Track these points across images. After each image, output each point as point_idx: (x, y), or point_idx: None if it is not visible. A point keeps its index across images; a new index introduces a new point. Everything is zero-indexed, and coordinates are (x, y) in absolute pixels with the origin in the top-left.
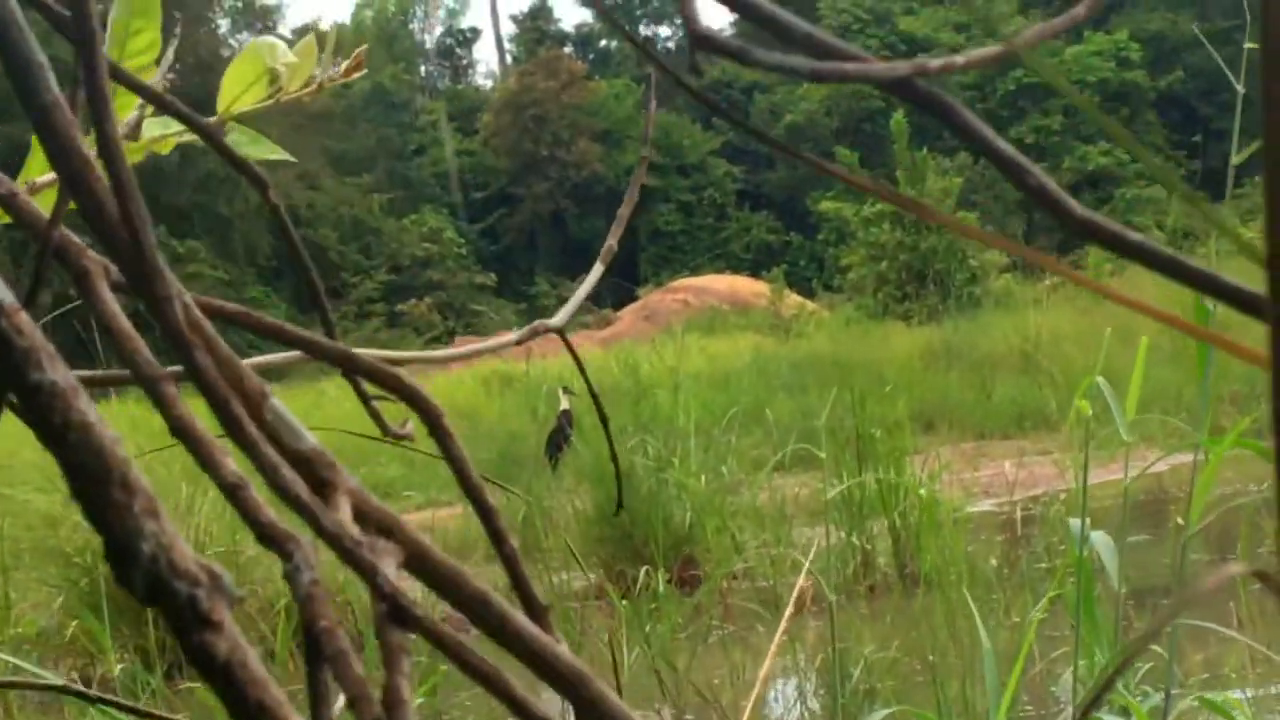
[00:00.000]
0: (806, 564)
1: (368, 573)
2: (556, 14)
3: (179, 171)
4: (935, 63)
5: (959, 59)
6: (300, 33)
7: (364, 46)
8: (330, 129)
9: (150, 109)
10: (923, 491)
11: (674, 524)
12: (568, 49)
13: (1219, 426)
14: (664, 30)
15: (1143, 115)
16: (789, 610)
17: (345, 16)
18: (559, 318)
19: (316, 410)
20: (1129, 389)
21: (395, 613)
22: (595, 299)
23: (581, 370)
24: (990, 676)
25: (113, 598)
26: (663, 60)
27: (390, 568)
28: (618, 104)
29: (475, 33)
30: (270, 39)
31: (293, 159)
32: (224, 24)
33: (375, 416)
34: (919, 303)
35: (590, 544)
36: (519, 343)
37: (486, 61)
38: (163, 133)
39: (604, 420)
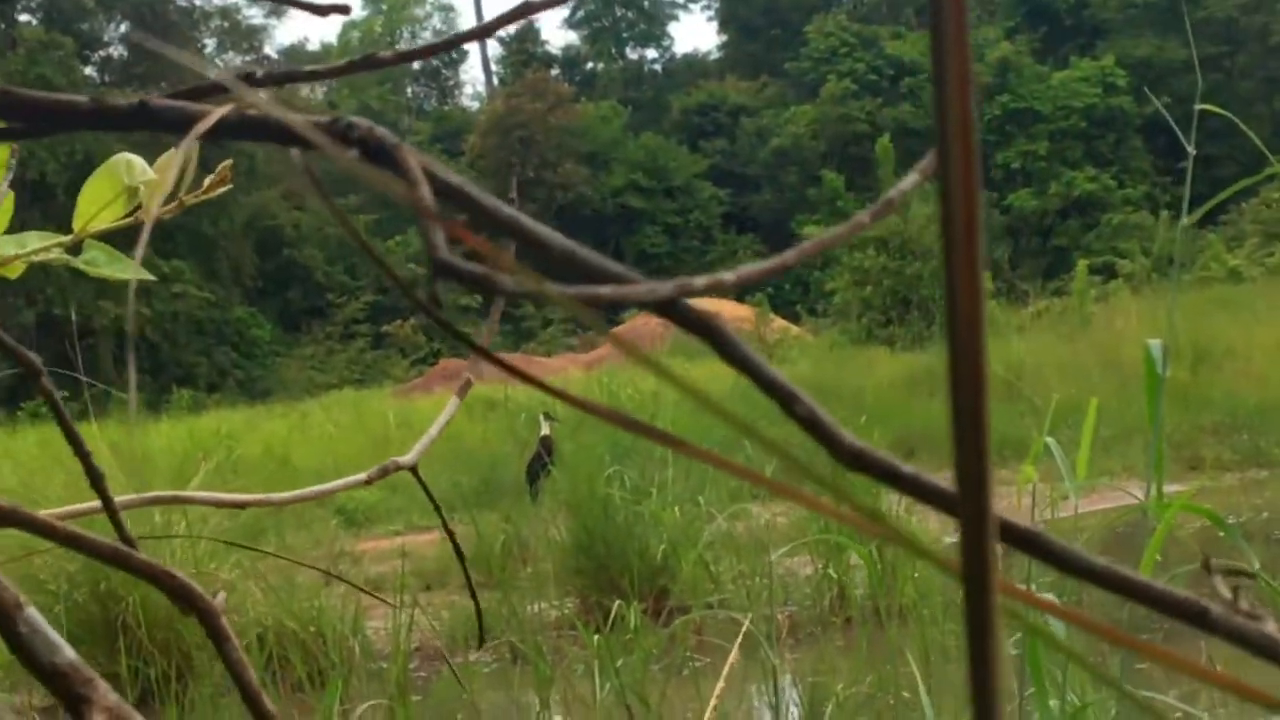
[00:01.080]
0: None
1: None
2: (543, 36)
3: None
4: (700, 281)
5: (728, 276)
6: (287, 53)
7: (228, 162)
8: (317, 150)
9: None
10: (898, 516)
11: (649, 555)
12: (554, 71)
13: (1198, 457)
14: (651, 52)
15: (1129, 141)
16: (733, 655)
17: (332, 37)
18: (411, 456)
19: (300, 433)
20: (1080, 468)
21: None
22: (580, 321)
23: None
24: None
25: (87, 624)
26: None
27: None
28: (604, 126)
29: (462, 54)
30: (128, 156)
31: (152, 277)
32: (210, 44)
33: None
34: (903, 328)
35: (566, 574)
36: (368, 482)
37: (473, 83)
38: (16, 252)
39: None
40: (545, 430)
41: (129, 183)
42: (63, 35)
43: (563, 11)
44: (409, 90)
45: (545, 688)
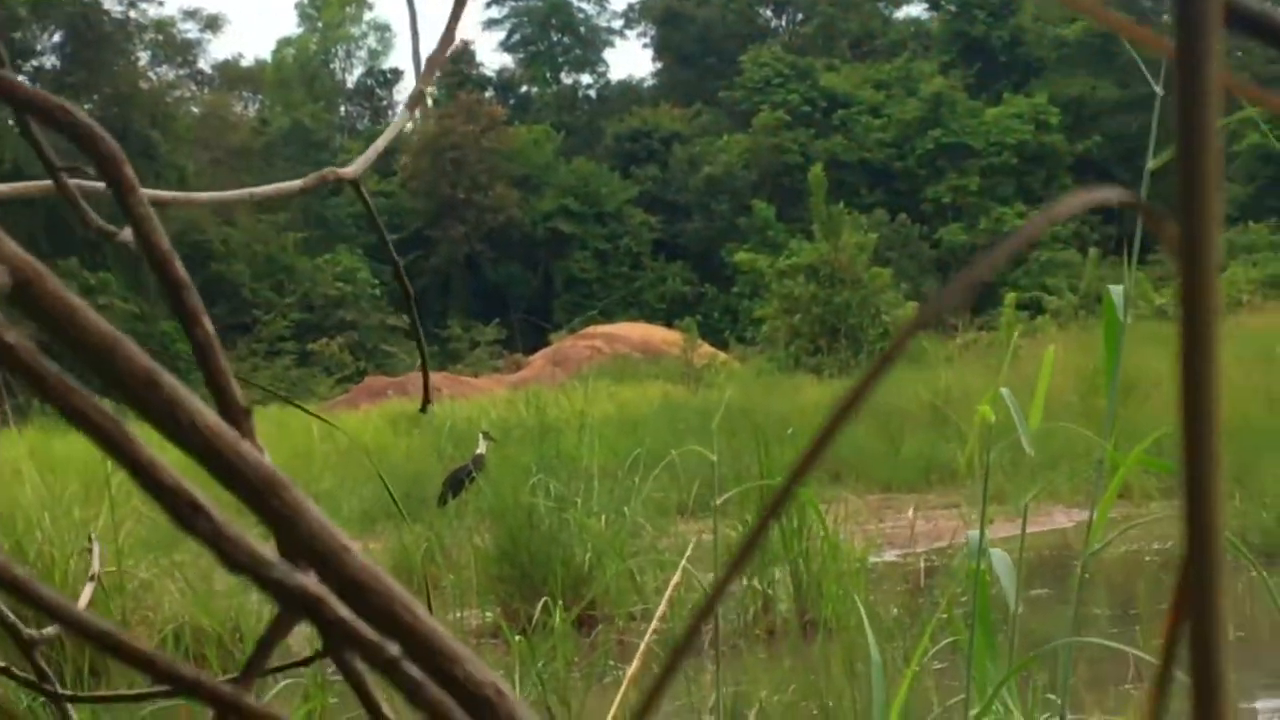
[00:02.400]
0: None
1: None
2: (478, 58)
3: (90, 201)
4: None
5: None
6: (220, 68)
7: None
8: (248, 165)
9: None
10: (823, 534)
11: (574, 564)
12: (488, 93)
13: (1126, 485)
14: (585, 78)
15: (1060, 179)
16: (635, 664)
17: (267, 54)
18: (353, 168)
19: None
20: (1033, 417)
21: None
22: (507, 343)
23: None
24: (878, 706)
25: None
26: None
27: None
28: (536, 150)
29: (396, 74)
30: None
31: None
32: (144, 56)
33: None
34: (831, 356)
35: (489, 582)
36: (303, 190)
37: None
38: None
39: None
40: (481, 449)
41: None
42: None
43: (498, 34)
44: (342, 109)
45: None
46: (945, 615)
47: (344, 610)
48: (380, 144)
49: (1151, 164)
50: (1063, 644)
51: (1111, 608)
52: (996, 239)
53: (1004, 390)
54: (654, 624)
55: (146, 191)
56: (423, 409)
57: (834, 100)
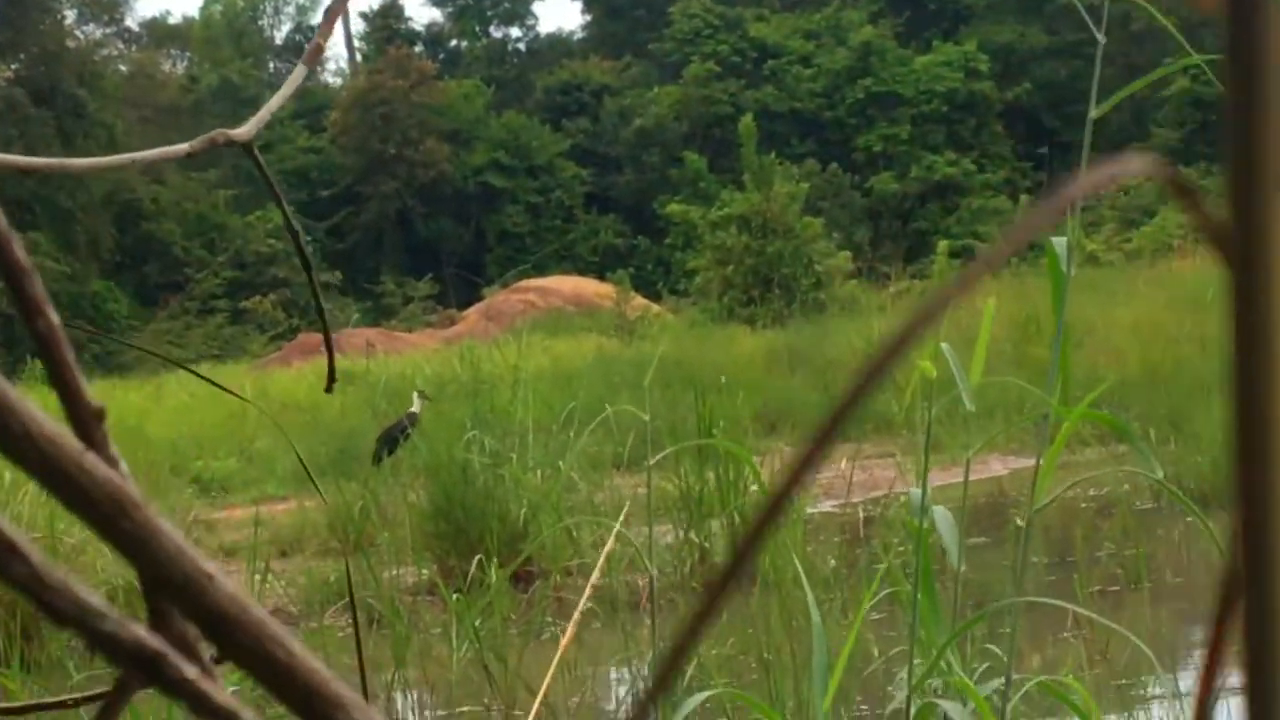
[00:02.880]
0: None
1: None
2: (407, 13)
3: None
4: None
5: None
6: (148, 26)
7: None
8: (177, 123)
9: None
10: (759, 487)
11: (509, 520)
12: (418, 48)
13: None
14: (515, 31)
15: (990, 126)
16: (578, 613)
17: (194, 10)
18: (246, 129)
19: (156, 404)
20: (974, 372)
21: None
22: (440, 298)
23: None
24: (818, 657)
25: None
26: None
27: None
28: (467, 104)
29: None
30: None
31: None
32: (70, 15)
33: None
34: (764, 307)
35: (425, 539)
36: (189, 154)
37: (336, 59)
38: None
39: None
40: (415, 407)
41: None
42: None
43: None
44: (271, 65)
45: (402, 649)
46: (884, 567)
47: (190, 669)
48: (275, 103)
49: (1094, 112)
50: (1008, 604)
51: (1049, 555)
52: (927, 186)
53: (944, 346)
54: (594, 579)
55: (10, 158)
56: (328, 389)
57: (764, 50)
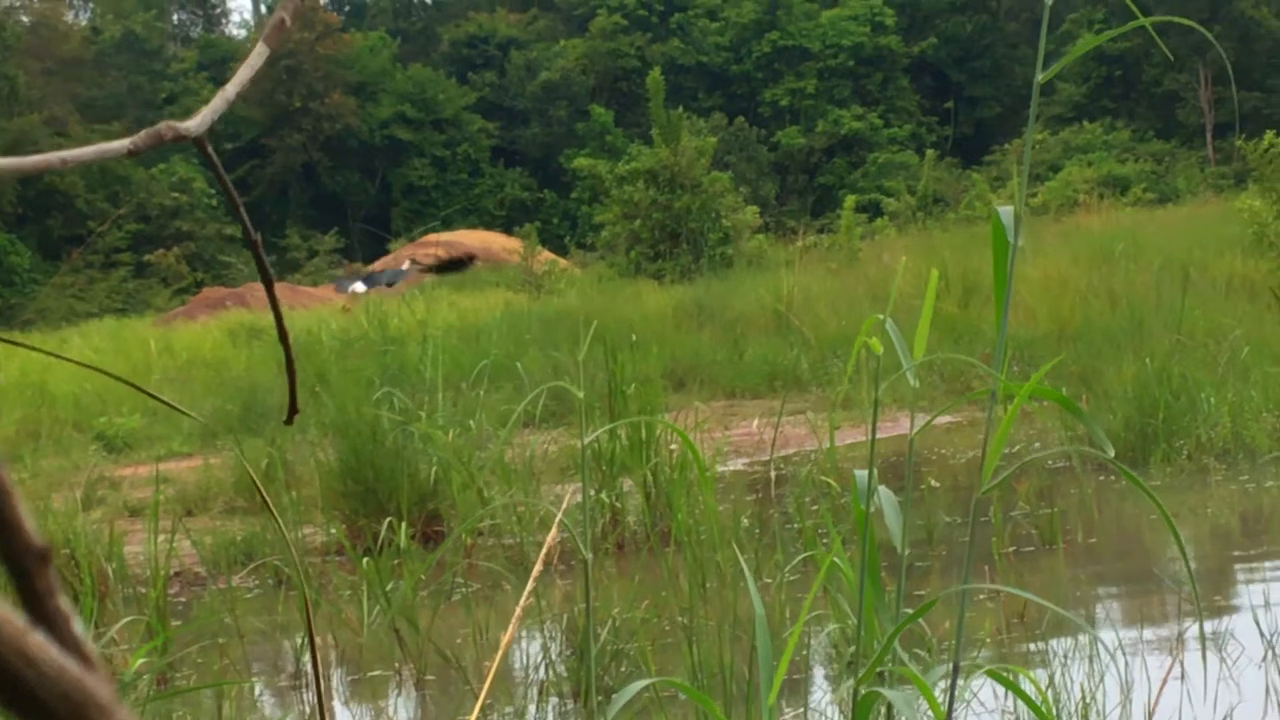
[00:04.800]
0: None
1: None
2: None
3: None
4: None
5: None
6: None
7: None
8: (80, 75)
9: None
10: (671, 447)
11: (419, 479)
12: (323, 0)
13: (969, 387)
14: None
15: (896, 80)
16: (537, 568)
17: None
18: (195, 121)
19: (58, 359)
20: (917, 348)
21: None
22: (345, 252)
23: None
24: (763, 646)
25: None
26: None
27: None
28: (372, 57)
29: None
30: None
31: None
32: None
33: None
34: (672, 261)
35: (333, 498)
36: (132, 152)
37: (240, 10)
38: None
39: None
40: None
41: None
42: None
43: None
44: (175, 17)
45: (310, 612)
46: (795, 526)
47: None
48: (230, 91)
49: (1040, 77)
50: (955, 590)
51: (963, 515)
52: (833, 141)
53: (888, 323)
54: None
55: None
56: (288, 420)
57: (671, 4)
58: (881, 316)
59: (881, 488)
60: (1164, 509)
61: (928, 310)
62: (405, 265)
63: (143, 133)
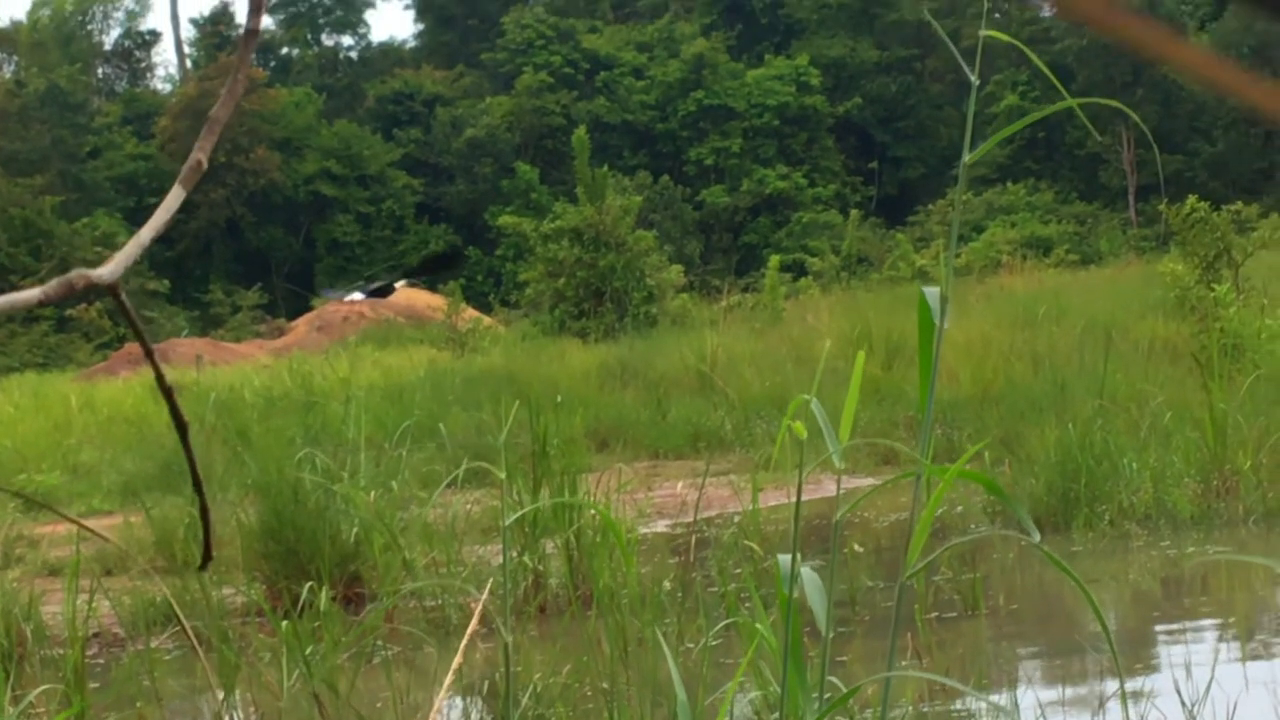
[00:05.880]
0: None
1: None
2: (238, 19)
3: None
4: None
5: None
6: None
7: None
8: (4, 129)
9: None
10: (595, 510)
11: (341, 540)
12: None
13: (892, 451)
14: (347, 39)
15: (821, 140)
16: (471, 628)
17: (22, 14)
18: (109, 269)
19: None
20: (844, 430)
21: None
22: (269, 308)
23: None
24: (683, 715)
25: None
26: None
27: None
28: (297, 112)
29: (155, 35)
30: None
31: None
32: None
33: None
34: (596, 320)
35: (254, 559)
36: (43, 301)
37: (166, 65)
38: None
39: (180, 426)
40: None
41: None
42: None
43: None
44: (100, 71)
45: (230, 675)
46: (716, 591)
47: None
48: (145, 236)
49: (968, 158)
50: (882, 678)
51: (886, 579)
52: (758, 200)
53: (813, 403)
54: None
55: None
56: (202, 567)
57: (596, 62)
58: (808, 397)
59: (805, 570)
60: (1083, 585)
61: (853, 393)
62: (398, 280)
63: (54, 282)
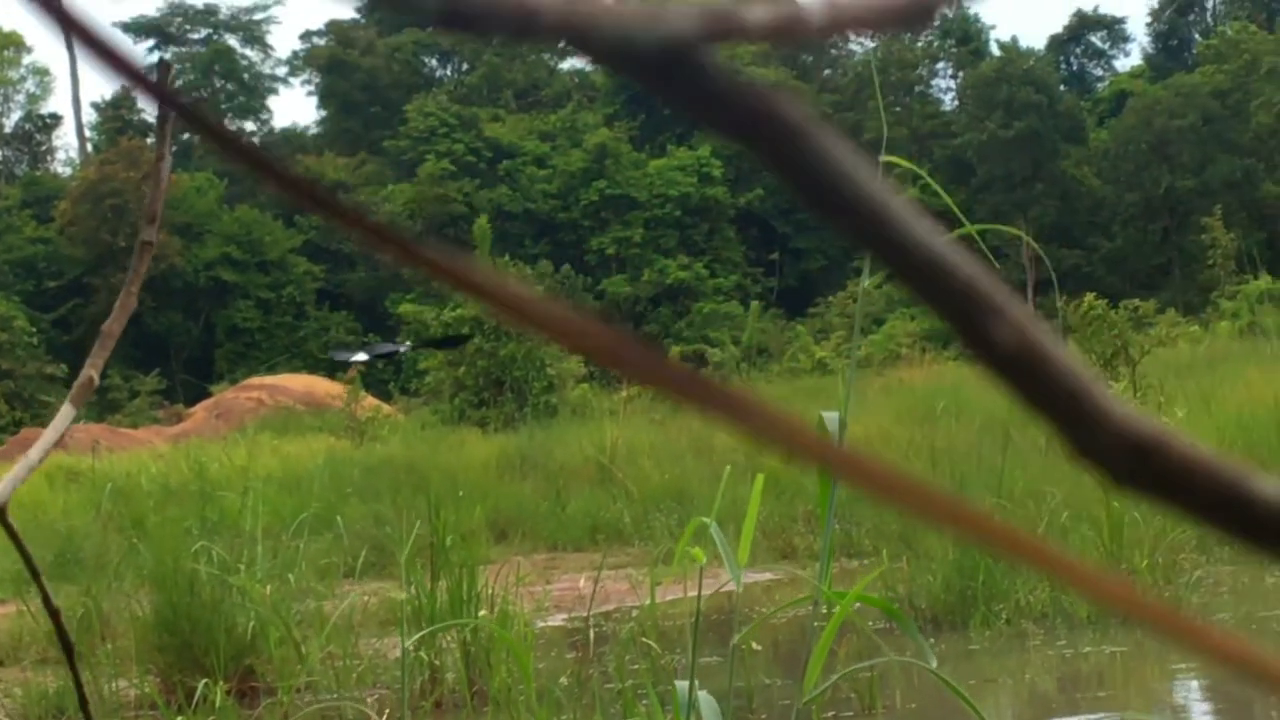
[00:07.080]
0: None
1: None
2: (140, 104)
3: None
4: None
5: None
6: None
7: None
8: None
9: None
10: (494, 604)
11: (237, 633)
12: (150, 139)
13: (790, 545)
14: (249, 125)
15: (723, 231)
16: None
17: None
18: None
19: None
20: (742, 552)
21: None
22: (167, 394)
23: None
24: None
25: None
26: None
27: None
28: (199, 197)
29: (56, 119)
30: None
31: None
32: None
33: None
34: (496, 409)
35: (148, 651)
36: None
37: (66, 149)
38: None
39: (67, 647)
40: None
41: None
42: None
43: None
44: (0, 154)
45: None
46: (613, 687)
47: None
48: (35, 458)
49: (867, 282)
50: None
51: (783, 676)
52: (659, 290)
53: (713, 526)
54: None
55: None
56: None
57: (499, 150)
58: (707, 520)
59: (703, 695)
60: (974, 705)
61: (751, 516)
62: (404, 344)
63: None
